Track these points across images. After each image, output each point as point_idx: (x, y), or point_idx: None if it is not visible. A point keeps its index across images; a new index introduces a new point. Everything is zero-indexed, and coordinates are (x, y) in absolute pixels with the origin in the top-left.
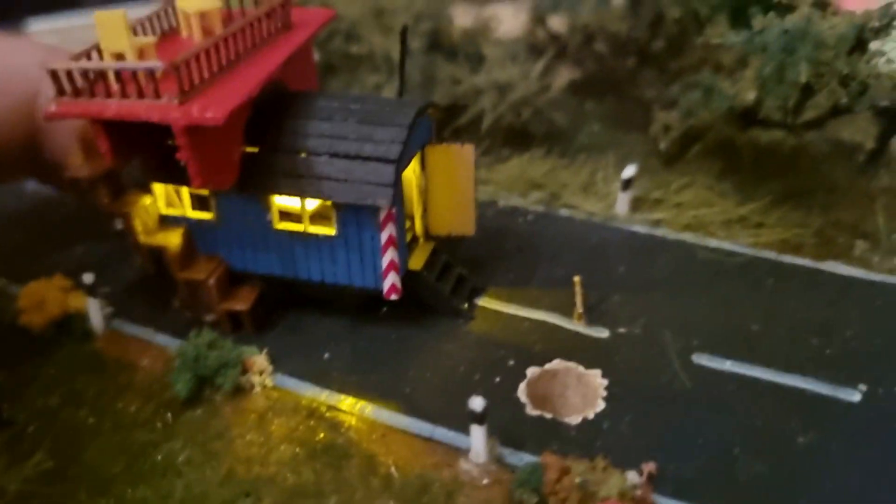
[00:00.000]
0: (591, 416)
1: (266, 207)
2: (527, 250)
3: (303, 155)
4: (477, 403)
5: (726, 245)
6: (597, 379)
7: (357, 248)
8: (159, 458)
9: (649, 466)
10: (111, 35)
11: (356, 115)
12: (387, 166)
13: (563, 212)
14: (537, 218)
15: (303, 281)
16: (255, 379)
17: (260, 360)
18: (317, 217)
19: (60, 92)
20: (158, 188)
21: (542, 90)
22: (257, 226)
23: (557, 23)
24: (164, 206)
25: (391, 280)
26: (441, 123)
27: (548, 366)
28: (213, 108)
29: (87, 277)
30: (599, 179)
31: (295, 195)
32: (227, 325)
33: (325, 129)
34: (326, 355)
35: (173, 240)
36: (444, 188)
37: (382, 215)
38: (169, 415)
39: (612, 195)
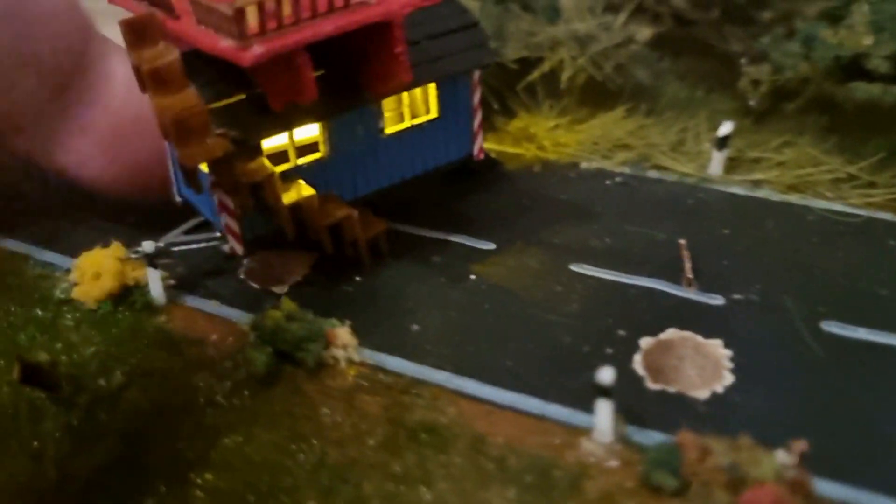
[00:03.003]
0: (719, 389)
1: (379, 114)
2: (620, 214)
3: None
4: (606, 375)
5: (837, 206)
6: (718, 349)
7: (454, 121)
8: (241, 441)
9: (800, 445)
10: None
11: None
12: (474, 29)
13: (653, 173)
14: (626, 180)
15: (406, 181)
16: (339, 353)
17: (343, 332)
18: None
19: (243, 32)
20: (269, 144)
21: (625, 43)
22: (367, 140)
23: None
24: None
25: (480, 139)
26: (514, 76)
27: (662, 336)
28: None
29: (147, 246)
30: (689, 138)
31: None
32: (368, 257)
33: None
34: (415, 327)
35: (308, 190)
36: None
37: (477, 76)
38: (246, 393)
39: (704, 155)
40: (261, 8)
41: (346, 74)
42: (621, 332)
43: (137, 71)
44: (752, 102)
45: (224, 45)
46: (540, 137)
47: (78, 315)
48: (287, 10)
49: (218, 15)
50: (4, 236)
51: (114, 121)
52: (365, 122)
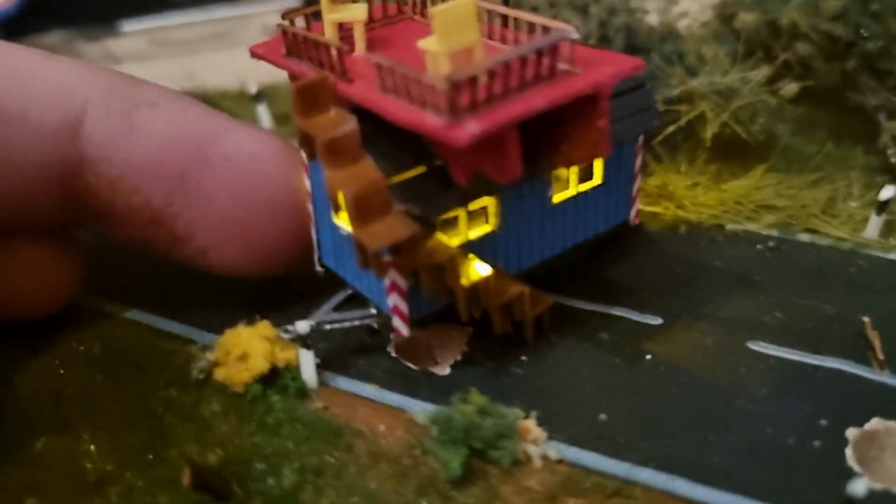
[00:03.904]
0: None
1: (549, 182)
2: (781, 284)
3: None
4: (860, 487)
5: None
6: None
7: (615, 187)
8: None
9: None
10: (455, 31)
11: None
12: (643, 90)
13: (804, 236)
14: (777, 244)
15: (566, 251)
16: (532, 450)
17: (532, 425)
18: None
19: (456, 108)
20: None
21: (768, 96)
22: (535, 210)
23: (748, 19)
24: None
25: (637, 205)
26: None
27: (867, 426)
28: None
29: (302, 326)
30: (838, 198)
31: None
32: (532, 334)
33: None
34: (603, 416)
35: (482, 270)
36: None
37: (641, 140)
38: (437, 497)
39: (855, 216)
40: (471, 80)
41: (524, 140)
42: (823, 422)
43: (307, 139)
44: (893, 160)
45: (432, 122)
46: (679, 196)
47: (224, 400)
48: (498, 82)
49: (420, 86)
50: (126, 307)
51: (239, 207)
52: (535, 191)
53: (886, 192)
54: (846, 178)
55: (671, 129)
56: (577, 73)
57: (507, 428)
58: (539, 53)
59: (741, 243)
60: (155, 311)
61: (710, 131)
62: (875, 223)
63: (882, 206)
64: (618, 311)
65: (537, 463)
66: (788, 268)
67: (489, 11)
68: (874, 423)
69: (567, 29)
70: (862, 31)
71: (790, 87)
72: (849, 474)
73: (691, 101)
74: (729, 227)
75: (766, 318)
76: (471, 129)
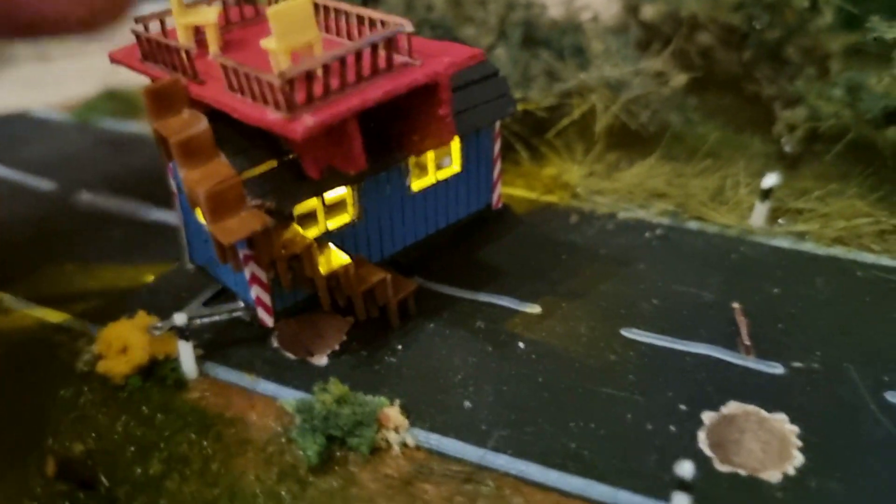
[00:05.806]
0: (791, 471)
1: (407, 171)
2: (664, 271)
3: None
4: (686, 469)
5: (885, 260)
6: (784, 425)
7: (476, 173)
8: None
9: None
10: (293, 30)
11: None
12: (497, 79)
13: (693, 224)
14: (666, 232)
15: (430, 236)
16: (393, 437)
17: (394, 413)
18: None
19: (292, 103)
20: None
21: (658, 88)
22: (395, 199)
23: (651, 12)
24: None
25: (499, 189)
26: (544, 122)
27: (724, 410)
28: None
29: (179, 318)
30: (727, 186)
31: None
32: (397, 319)
33: None
34: (467, 404)
35: (342, 259)
36: None
37: (498, 126)
38: (296, 484)
39: (743, 204)
40: (308, 76)
41: (377, 132)
42: (683, 407)
43: (162, 141)
44: (787, 148)
45: (272, 117)
46: (574, 185)
47: (103, 391)
48: (335, 76)
49: (261, 84)
50: (19, 299)
51: None
52: (393, 180)
53: (769, 180)
54: (739, 167)
55: (565, 122)
56: (415, 64)
57: (366, 416)
58: (374, 47)
59: (631, 231)
60: (45, 304)
61: (600, 124)
62: (760, 210)
63: (766, 193)
64: (498, 300)
65: (395, 450)
66: (673, 255)
67: (332, 8)
68: (731, 407)
69: (401, 23)
70: (754, 22)
71: (679, 78)
72: (699, 457)
73: (583, 94)
74: (621, 215)
75: (644, 305)
76: (306, 122)
